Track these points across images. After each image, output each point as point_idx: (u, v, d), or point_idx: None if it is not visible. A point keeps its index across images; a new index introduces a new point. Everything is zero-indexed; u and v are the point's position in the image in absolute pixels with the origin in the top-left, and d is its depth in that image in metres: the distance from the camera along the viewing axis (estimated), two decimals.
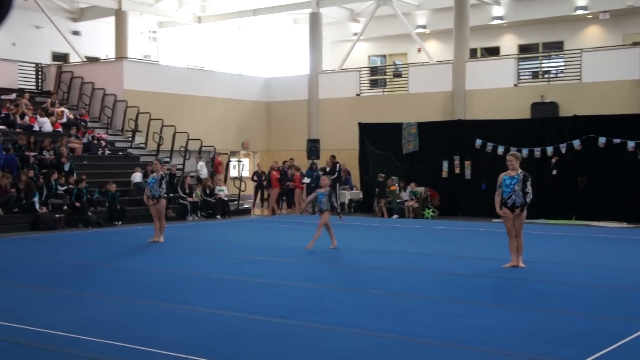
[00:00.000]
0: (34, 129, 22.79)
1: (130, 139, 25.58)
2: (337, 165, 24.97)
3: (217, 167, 25.34)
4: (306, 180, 25.22)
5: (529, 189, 11.22)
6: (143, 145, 25.51)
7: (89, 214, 19.18)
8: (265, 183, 25.98)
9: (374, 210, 23.45)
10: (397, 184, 23.16)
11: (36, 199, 18.35)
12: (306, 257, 13.02)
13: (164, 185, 15.33)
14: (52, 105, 24.69)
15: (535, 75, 26.74)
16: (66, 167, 20.48)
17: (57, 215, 18.55)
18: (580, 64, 24.21)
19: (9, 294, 9.57)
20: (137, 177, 21.97)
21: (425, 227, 19.42)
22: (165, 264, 12.33)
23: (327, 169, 25.09)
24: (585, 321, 7.87)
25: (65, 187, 19.52)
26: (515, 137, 21.44)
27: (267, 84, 31.10)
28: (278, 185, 25.15)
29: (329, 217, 14.02)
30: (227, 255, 13.30)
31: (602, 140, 20.41)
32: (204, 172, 24.33)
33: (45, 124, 23.34)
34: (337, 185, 25.10)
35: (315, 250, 13.90)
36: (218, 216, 22.41)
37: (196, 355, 6.31)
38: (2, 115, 22.60)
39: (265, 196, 26.25)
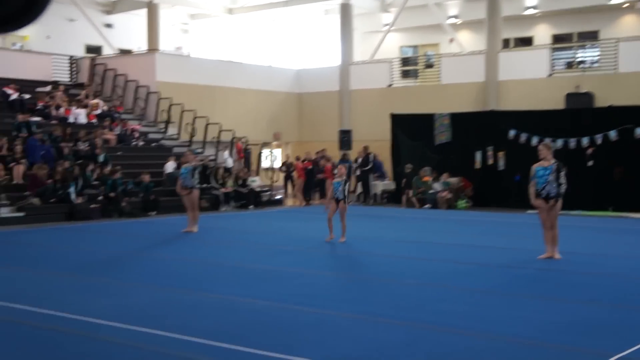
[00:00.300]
0: (69, 120, 23.08)
1: (163, 130, 25.79)
2: (370, 156, 24.93)
3: (239, 152, 25.30)
4: None
5: (563, 180, 11.10)
6: (176, 136, 25.69)
7: (124, 204, 19.40)
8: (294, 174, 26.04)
9: (402, 201, 23.41)
10: (429, 175, 23.06)
11: (72, 190, 18.62)
12: (337, 247, 13.04)
13: (196, 176, 15.44)
14: (87, 97, 24.98)
15: (569, 65, 26.41)
16: (101, 158, 20.74)
17: (93, 206, 18.79)
18: (616, 54, 23.86)
19: (46, 282, 9.74)
20: (169, 167, 22.16)
21: (458, 217, 19.33)
22: (199, 253, 12.44)
23: (360, 160, 25.08)
24: (620, 313, 7.79)
25: (99, 178, 19.74)
26: (550, 127, 21.19)
27: (298, 76, 31.11)
28: (303, 176, 25.13)
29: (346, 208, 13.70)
30: (260, 245, 13.38)
31: (638, 131, 20.11)
32: (229, 162, 24.37)
33: (80, 115, 23.63)
34: (370, 176, 25.09)
35: (347, 240, 13.90)
36: (250, 206, 22.54)
37: (230, 343, 6.37)
38: (39, 107, 22.92)
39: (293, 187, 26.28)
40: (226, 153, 24.47)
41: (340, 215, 13.54)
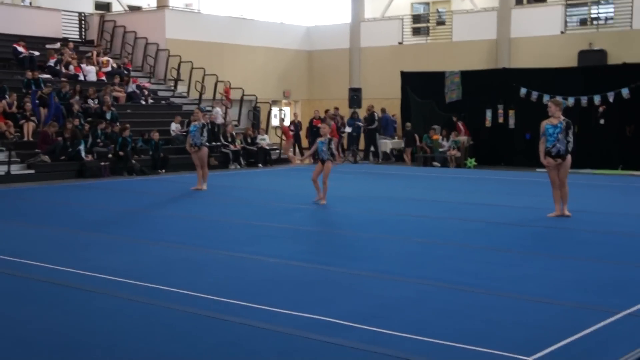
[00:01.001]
0: (79, 78, 22.99)
1: (172, 88, 25.68)
2: (374, 114, 24.79)
3: (226, 96, 24.92)
4: (347, 129, 25.11)
5: (571, 137, 11.02)
6: (185, 94, 25.60)
7: (133, 162, 19.41)
8: (302, 133, 25.96)
9: (404, 160, 23.39)
10: (439, 133, 22.94)
11: (82, 147, 18.63)
12: (346, 204, 13.03)
13: (205, 134, 15.39)
14: (98, 54, 24.83)
15: (583, 22, 26.02)
16: (108, 115, 20.66)
17: (103, 163, 18.82)
18: (631, 10, 23.46)
19: (56, 238, 9.79)
20: (174, 127, 21.97)
21: (467, 176, 19.26)
22: (208, 211, 12.46)
23: (364, 119, 24.93)
24: (629, 270, 7.77)
25: (109, 136, 19.69)
26: (562, 85, 20.96)
27: (308, 33, 30.83)
28: (290, 137, 25.02)
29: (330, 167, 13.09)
30: (269, 203, 13.38)
31: None
32: (219, 118, 23.49)
33: (90, 72, 23.52)
34: (377, 135, 25.00)
35: (356, 199, 13.90)
36: (260, 165, 22.52)
37: (240, 300, 6.39)
38: (49, 64, 22.83)
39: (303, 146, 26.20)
40: (216, 109, 23.90)
41: (324, 175, 12.95)
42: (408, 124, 23.47)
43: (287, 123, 27.14)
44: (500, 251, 8.79)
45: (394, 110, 25.67)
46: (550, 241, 9.64)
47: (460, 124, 22.75)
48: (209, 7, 32.61)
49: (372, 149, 24.96)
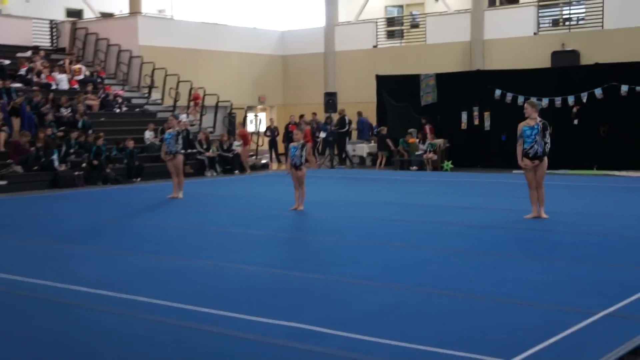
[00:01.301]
0: (51, 86, 22.77)
1: (146, 95, 25.54)
2: (345, 118, 24.83)
3: (195, 100, 24.73)
4: (322, 134, 25.11)
5: (548, 139, 11.10)
6: (159, 102, 25.47)
7: (108, 171, 19.26)
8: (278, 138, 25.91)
9: (377, 164, 23.45)
10: (415, 137, 23.02)
11: (55, 157, 18.45)
12: (323, 210, 13.03)
13: (180, 141, 15.31)
14: (70, 62, 24.62)
15: (555, 23, 26.27)
16: (80, 124, 20.46)
17: (76, 173, 18.65)
18: (602, 10, 23.74)
19: (30, 250, 9.67)
20: (148, 135, 21.84)
21: (444, 179, 19.35)
22: (185, 219, 12.40)
23: (335, 122, 24.95)
24: (608, 271, 7.83)
25: (79, 144, 19.48)
26: (536, 86, 21.12)
27: (282, 37, 30.82)
28: (249, 142, 24.42)
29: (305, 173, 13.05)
30: (246, 211, 13.34)
31: (624, 88, 20.08)
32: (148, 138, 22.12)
33: (62, 81, 23.32)
34: (347, 139, 25.06)
35: (334, 204, 13.91)
36: (236, 171, 22.45)
37: (219, 309, 6.35)
38: (20, 72, 22.59)
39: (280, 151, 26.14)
40: (183, 116, 23.62)
41: (299, 182, 12.92)
42: (381, 128, 23.52)
43: (262, 129, 27.08)
44: (479, 254, 8.83)
45: (370, 114, 25.72)
46: (528, 243, 9.70)
47: (427, 127, 22.79)
48: (182, 13, 32.48)
49: (340, 153, 24.84)
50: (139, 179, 19.89)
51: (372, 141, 25.22)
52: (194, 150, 22.07)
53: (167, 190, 15.87)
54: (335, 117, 25.12)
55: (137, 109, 24.39)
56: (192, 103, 24.87)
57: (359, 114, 25.63)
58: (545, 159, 11.20)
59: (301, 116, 26.19)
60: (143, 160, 20.62)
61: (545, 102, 20.56)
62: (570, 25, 25.70)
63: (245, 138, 22.89)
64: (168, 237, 10.58)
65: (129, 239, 10.48)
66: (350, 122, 25.17)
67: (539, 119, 11.18)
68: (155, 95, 25.58)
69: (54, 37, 27.44)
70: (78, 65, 24.61)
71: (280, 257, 8.93)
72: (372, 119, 25.56)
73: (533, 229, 10.59)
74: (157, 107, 24.96)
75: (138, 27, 25.83)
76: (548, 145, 11.13)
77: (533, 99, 15.52)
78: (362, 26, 28.95)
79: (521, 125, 11.24)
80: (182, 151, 15.87)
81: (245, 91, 28.78)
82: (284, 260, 8.65)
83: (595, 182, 17.93)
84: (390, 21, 31.10)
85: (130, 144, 20.30)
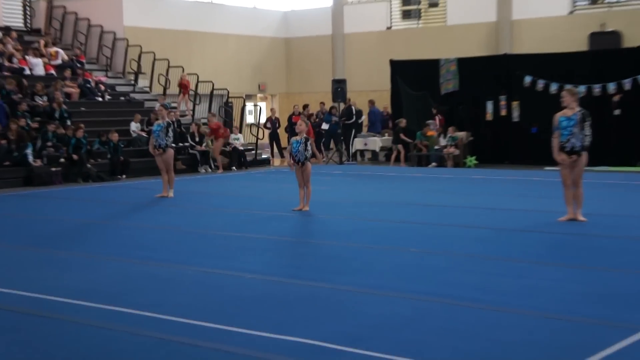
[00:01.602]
0: (25, 72, 22.83)
1: (132, 82, 25.58)
2: (352, 108, 24.81)
3: (183, 87, 24.66)
4: (324, 126, 25.09)
5: (588, 131, 11.01)
6: (147, 89, 25.51)
7: (89, 166, 19.31)
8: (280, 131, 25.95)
9: (391, 159, 23.42)
10: (435, 129, 23.00)
11: (29, 151, 18.49)
12: (332, 211, 13.02)
13: (170, 134, 15.33)
14: (46, 45, 24.68)
15: (594, 1, 26.20)
16: (57, 115, 20.48)
17: (54, 169, 18.69)
18: None
19: (3, 256, 9.69)
20: (134, 127, 21.89)
21: (467, 176, 19.32)
22: (176, 221, 12.41)
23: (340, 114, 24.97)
24: None
25: (57, 137, 19.51)
26: (571, 72, 21.10)
27: (285, 18, 30.84)
28: (219, 138, 24.20)
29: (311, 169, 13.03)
30: (245, 211, 13.34)
31: None
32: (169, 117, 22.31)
33: (37, 66, 23.37)
34: (354, 131, 25.05)
35: (343, 204, 13.90)
36: (233, 168, 22.47)
37: (213, 322, 6.35)
38: None
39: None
40: (177, 104, 23.41)
41: (305, 179, 12.90)
42: (399, 120, 23.49)
43: (263, 120, 27.09)
44: (507, 261, 8.81)
45: (384, 103, 25.71)
46: (562, 249, 9.67)
47: (438, 118, 22.76)
48: None
49: (337, 146, 24.74)
50: (124, 176, 19.93)
51: (386, 134, 25.20)
52: (186, 144, 22.10)
53: (156, 189, 15.89)
54: (341, 107, 25.10)
55: (122, 98, 24.42)
56: (180, 90, 24.78)
57: (371, 103, 25.61)
58: (585, 154, 11.12)
59: (305, 106, 26.19)
60: (129, 155, 20.66)
61: (582, 90, 20.48)
62: (610, 3, 25.62)
63: (217, 132, 22.65)
64: (157, 241, 10.59)
65: (113, 243, 10.49)
66: (360, 113, 25.14)
67: (578, 108, 11.09)
68: (143, 82, 25.61)
69: (28, 17, 27.48)
70: (55, 49, 24.66)
71: (282, 264, 8.92)
72: (387, 108, 25.53)
73: (568, 233, 10.56)
74: (144, 96, 25.00)
75: (123, 5, 25.87)
76: (588, 139, 11.01)
77: (570, 87, 15.50)
78: (374, 5, 28.95)
79: (557, 116, 11.18)
80: (173, 145, 15.89)
81: (243, 78, 28.80)
82: (286, 268, 8.64)
83: (639, 180, 17.87)
84: (406, 0, 31.10)
85: (115, 136, 20.33)
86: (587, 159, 11.25)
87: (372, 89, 26.91)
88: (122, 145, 20.60)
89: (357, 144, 25.05)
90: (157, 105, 19.36)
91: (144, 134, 21.40)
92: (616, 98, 20.71)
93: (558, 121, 11.14)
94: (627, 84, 20.53)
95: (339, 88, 25.26)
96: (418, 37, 27.62)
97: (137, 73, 25.34)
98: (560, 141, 11.11)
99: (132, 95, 24.77)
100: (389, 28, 28.49)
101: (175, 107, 23.31)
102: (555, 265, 8.52)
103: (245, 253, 9.53)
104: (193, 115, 24.40)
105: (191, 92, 24.86)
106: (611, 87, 20.69)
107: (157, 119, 15.74)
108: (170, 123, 15.64)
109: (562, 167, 11.27)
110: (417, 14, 29.80)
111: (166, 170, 15.38)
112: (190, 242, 10.50)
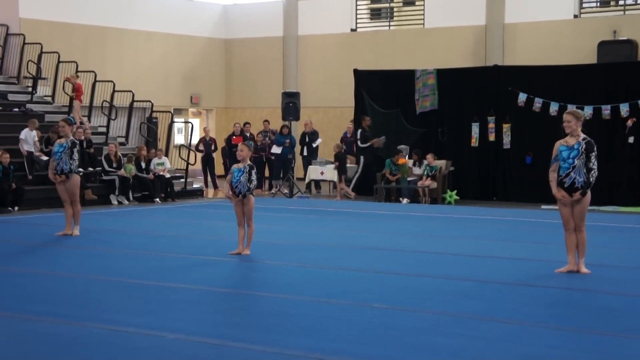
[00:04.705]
0: None
1: (30, 89, 25.39)
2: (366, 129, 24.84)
3: (77, 93, 24.40)
4: (276, 149, 25.12)
5: (594, 164, 11.10)
6: (49, 99, 25.34)
7: None
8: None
9: (338, 193, 23.60)
10: (407, 156, 23.15)
11: None
12: (279, 256, 13.01)
13: (76, 156, 15.23)
14: None
15: (604, 3, 26.69)
16: None
17: None
18: None
19: None
20: (24, 135, 21.32)
21: (446, 215, 19.46)
22: (80, 267, 12.30)
23: (307, 135, 25.06)
24: None
25: None
26: (576, 89, 21.39)
27: (225, 14, 30.94)
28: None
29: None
30: (170, 255, 13.27)
31: None
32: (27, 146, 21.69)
33: None
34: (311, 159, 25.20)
35: (292, 248, 13.91)
36: (157, 199, 22.37)
37: None
38: None
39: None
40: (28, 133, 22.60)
41: (246, 216, 12.92)
42: (338, 144, 23.64)
43: (195, 141, 27.10)
44: (492, 321, 8.86)
45: (345, 123, 25.86)
46: (560, 307, 9.76)
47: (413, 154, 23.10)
48: None
49: (288, 174, 24.92)
50: (16, 208, 19.73)
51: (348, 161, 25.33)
52: (98, 169, 21.96)
53: (57, 225, 15.75)
54: (299, 126, 25.17)
55: (16, 109, 24.21)
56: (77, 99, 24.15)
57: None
58: (588, 192, 11.23)
59: (245, 124, 26.28)
60: (23, 182, 20.46)
61: (588, 111, 20.64)
62: (624, 5, 26.11)
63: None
64: (56, 292, 10.47)
65: (0, 293, 10.37)
66: (315, 135, 25.29)
67: (582, 135, 11.20)
68: (43, 89, 25.43)
69: None
70: None
71: (215, 321, 8.88)
72: (350, 129, 25.67)
73: (568, 288, 10.67)
74: (45, 107, 24.83)
75: None
76: (594, 173, 11.11)
77: (574, 108, 15.69)
78: (336, 2, 29.17)
79: (558, 144, 11.25)
80: (80, 170, 15.79)
81: (172, 88, 28.79)
82: (220, 326, 8.61)
83: None
84: None
85: (6, 158, 20.12)
86: (590, 197, 11.31)
87: (331, 105, 27.09)
88: (13, 169, 20.37)
89: (312, 172, 25.12)
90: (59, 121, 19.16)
91: (42, 157, 21.18)
92: (630, 122, 20.91)
93: (558, 151, 11.24)
94: None
95: (290, 103, 25.29)
96: (389, 42, 27.87)
97: (36, 78, 25.16)
98: (560, 175, 11.21)
99: (29, 106, 24.55)
100: (353, 30, 28.72)
101: (83, 123, 23.17)
102: (551, 328, 8.59)
103: (168, 307, 9.47)
104: (107, 133, 24.26)
105: (106, 105, 24.70)
106: (624, 108, 20.91)
107: (59, 137, 15.61)
108: (75, 142, 15.52)
109: (562, 206, 11.36)
110: (388, 14, 30.08)
111: (70, 202, 15.25)
112: (99, 293, 10.41)
